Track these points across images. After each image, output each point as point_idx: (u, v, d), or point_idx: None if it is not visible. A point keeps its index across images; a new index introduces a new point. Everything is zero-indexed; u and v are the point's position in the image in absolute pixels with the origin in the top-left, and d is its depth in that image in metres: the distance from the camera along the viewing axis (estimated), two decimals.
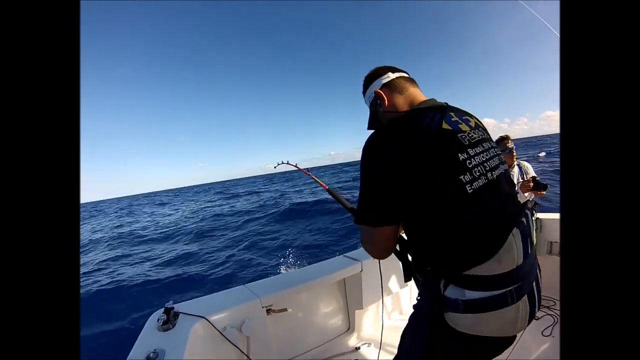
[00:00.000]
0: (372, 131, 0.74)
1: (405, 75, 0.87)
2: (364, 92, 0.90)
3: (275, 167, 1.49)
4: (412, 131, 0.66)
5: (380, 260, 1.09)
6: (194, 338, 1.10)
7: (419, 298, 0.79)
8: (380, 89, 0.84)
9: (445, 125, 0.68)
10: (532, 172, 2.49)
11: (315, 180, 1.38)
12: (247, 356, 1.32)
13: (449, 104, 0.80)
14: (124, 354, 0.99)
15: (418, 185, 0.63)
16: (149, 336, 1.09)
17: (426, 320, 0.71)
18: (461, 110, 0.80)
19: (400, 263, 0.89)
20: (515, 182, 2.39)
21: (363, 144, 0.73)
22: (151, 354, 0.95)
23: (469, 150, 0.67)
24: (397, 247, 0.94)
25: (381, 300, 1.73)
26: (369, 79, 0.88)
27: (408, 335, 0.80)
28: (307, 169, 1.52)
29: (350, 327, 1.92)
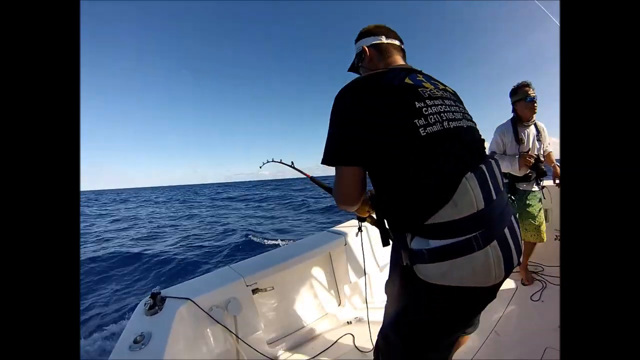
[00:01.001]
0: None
1: (397, 43, 0.89)
2: (356, 41, 0.94)
3: (260, 167, 1.49)
4: (389, 87, 0.69)
5: (362, 234, 1.12)
6: (179, 320, 1.12)
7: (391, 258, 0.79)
8: (368, 46, 0.88)
9: (407, 81, 0.72)
10: (547, 140, 1.99)
11: (300, 172, 1.42)
12: (236, 335, 1.32)
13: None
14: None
15: (398, 143, 0.65)
16: (137, 321, 1.10)
17: (397, 276, 0.71)
18: (433, 77, 0.82)
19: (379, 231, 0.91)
20: (531, 142, 1.95)
21: None
22: (138, 337, 0.97)
23: (426, 101, 0.69)
24: (374, 215, 0.96)
25: (364, 275, 1.70)
26: (364, 34, 0.91)
27: (388, 295, 0.81)
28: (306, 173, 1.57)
29: (340, 302, 1.89)
